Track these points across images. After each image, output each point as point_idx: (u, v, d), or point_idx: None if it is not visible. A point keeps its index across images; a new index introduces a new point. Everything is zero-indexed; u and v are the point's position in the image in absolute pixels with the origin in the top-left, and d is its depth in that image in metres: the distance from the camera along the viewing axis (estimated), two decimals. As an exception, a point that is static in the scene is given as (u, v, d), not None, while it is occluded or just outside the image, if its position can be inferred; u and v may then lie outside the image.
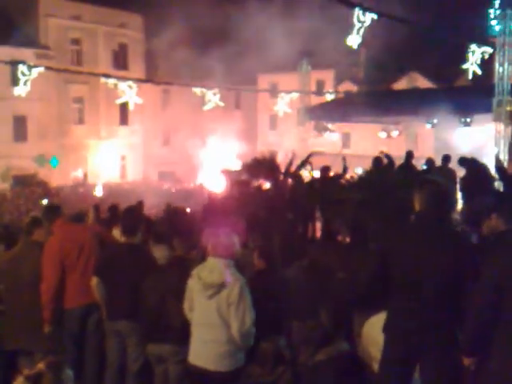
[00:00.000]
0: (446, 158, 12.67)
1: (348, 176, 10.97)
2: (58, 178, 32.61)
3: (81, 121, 37.47)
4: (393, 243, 3.98)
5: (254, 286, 4.80)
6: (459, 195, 11.74)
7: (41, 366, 3.59)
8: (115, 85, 17.48)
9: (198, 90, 18.44)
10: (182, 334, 4.83)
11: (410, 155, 12.80)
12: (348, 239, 9.19)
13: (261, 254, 5.75)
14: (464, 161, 11.81)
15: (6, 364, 5.74)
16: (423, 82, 32.45)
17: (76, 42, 36.47)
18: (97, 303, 5.65)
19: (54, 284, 5.64)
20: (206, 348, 4.52)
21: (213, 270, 4.51)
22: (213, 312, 4.47)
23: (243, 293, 4.46)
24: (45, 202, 27.47)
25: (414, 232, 3.93)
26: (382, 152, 12.43)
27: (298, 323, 5.12)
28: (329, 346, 4.33)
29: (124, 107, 33.09)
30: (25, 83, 15.42)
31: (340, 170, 11.22)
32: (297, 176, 10.50)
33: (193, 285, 4.63)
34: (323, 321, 4.51)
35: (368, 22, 11.39)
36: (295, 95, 21.88)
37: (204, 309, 4.53)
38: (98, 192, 29.85)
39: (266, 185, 10.87)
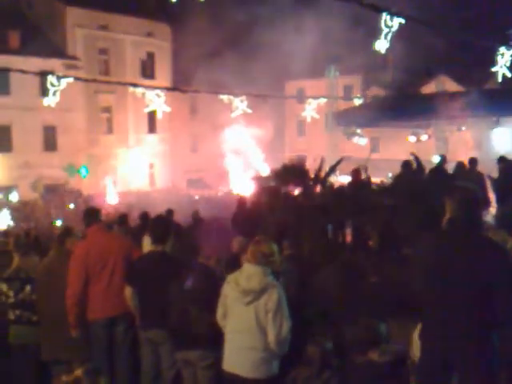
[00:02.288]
0: (473, 161, 12.44)
1: (378, 181, 10.86)
2: (87, 187, 32.97)
3: (109, 130, 37.84)
4: (425, 251, 3.94)
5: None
6: (493, 197, 11.52)
7: (78, 372, 3.64)
8: (143, 94, 17.56)
9: (225, 97, 18.43)
10: (208, 339, 4.83)
11: (443, 159, 12.64)
12: (379, 244, 9.08)
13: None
14: (503, 160, 11.60)
15: (39, 373, 5.77)
16: (452, 85, 32.04)
17: (104, 51, 36.86)
18: (123, 314, 5.66)
19: (77, 289, 5.65)
20: (241, 355, 4.48)
21: (251, 276, 4.47)
22: (250, 319, 4.43)
23: (281, 300, 4.42)
24: (71, 206, 27.93)
25: (445, 239, 3.87)
26: (412, 153, 12.24)
27: (346, 325, 5.06)
28: (380, 346, 4.30)
29: (152, 116, 33.47)
30: (54, 94, 15.54)
31: (369, 174, 11.12)
32: (326, 182, 10.44)
33: (229, 291, 4.58)
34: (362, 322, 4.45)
35: (396, 27, 11.27)
36: (323, 101, 21.78)
37: (241, 316, 4.49)
38: (112, 200, 29.98)
39: (295, 191, 10.83)
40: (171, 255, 5.68)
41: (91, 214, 6.24)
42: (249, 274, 4.50)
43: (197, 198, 31.56)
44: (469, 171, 12.13)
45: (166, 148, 40.32)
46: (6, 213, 24.87)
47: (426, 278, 3.84)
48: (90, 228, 6.04)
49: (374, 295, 5.26)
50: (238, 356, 4.50)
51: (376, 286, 5.58)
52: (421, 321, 3.98)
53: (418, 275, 3.98)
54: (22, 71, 17.06)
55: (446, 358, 3.72)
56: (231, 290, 4.55)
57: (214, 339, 4.74)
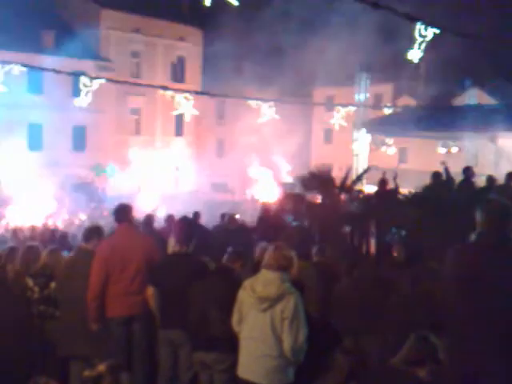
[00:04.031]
0: (510, 176, 12.17)
1: (406, 191, 10.74)
2: (113, 187, 33.29)
3: (137, 131, 38.18)
4: (454, 266, 3.80)
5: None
6: None
7: (101, 368, 3.66)
8: (172, 97, 17.67)
9: (253, 103, 18.45)
10: (225, 342, 4.81)
11: (468, 171, 12.42)
12: (403, 256, 8.97)
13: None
14: None
15: (58, 370, 5.80)
16: (483, 98, 31.67)
17: (136, 54, 37.25)
18: (141, 314, 5.68)
19: (98, 287, 5.66)
20: (256, 362, 4.42)
21: (267, 283, 4.40)
22: (265, 326, 4.36)
23: (298, 308, 4.34)
24: (92, 205, 28.22)
25: (475, 253, 3.71)
26: (443, 163, 12.05)
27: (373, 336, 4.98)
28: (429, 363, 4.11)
29: (179, 119, 33.60)
30: (86, 94, 15.72)
31: (398, 183, 11.03)
32: (352, 190, 10.37)
33: (244, 297, 4.53)
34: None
35: (430, 37, 11.17)
36: (352, 109, 21.67)
37: (256, 322, 4.43)
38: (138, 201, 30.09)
39: (320, 199, 10.77)
40: (194, 256, 5.70)
41: (122, 210, 6.18)
42: (265, 280, 4.43)
43: (225, 201, 31.64)
44: (503, 186, 11.85)
45: (192, 151, 40.53)
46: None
47: (455, 294, 3.71)
48: (120, 225, 6.06)
49: (406, 308, 5.13)
50: (252, 363, 4.44)
51: (407, 299, 5.45)
52: (448, 338, 3.80)
53: (447, 290, 3.86)
54: (56, 71, 17.32)
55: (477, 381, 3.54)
56: (247, 296, 4.49)
57: (232, 343, 4.71)
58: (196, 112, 18.35)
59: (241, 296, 4.58)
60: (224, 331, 4.81)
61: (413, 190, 11.05)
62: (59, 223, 22.69)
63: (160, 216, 19.45)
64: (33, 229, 18.96)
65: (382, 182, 11.31)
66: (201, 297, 5.09)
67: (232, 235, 9.50)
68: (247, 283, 4.55)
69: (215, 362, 4.98)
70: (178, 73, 39.43)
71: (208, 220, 15.64)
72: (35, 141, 32.64)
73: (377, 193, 11.05)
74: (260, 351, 4.39)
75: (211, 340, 4.94)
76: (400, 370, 3.98)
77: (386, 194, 10.83)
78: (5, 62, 14.57)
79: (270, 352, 4.36)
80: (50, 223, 22.09)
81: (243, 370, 4.51)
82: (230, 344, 4.76)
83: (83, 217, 25.25)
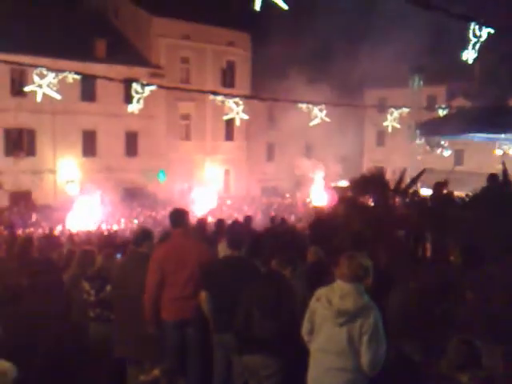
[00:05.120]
0: None
1: (462, 194, 10.46)
2: (164, 191, 33.75)
3: (187, 136, 38.59)
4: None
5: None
6: None
7: (156, 372, 3.66)
8: (222, 102, 17.77)
9: (303, 106, 18.37)
10: (270, 346, 4.75)
11: None
12: (460, 260, 8.74)
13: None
14: None
15: (114, 372, 5.86)
16: (541, 98, 30.68)
17: (185, 60, 37.65)
18: (195, 317, 5.67)
19: (153, 291, 5.70)
20: (330, 376, 4.24)
21: (344, 295, 4.20)
22: (342, 340, 4.18)
23: (378, 323, 4.15)
24: (144, 210, 28.64)
25: None
26: (503, 164, 11.67)
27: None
28: (472, 369, 4.01)
29: (229, 123, 33.83)
30: (138, 101, 15.98)
31: (452, 188, 10.74)
32: (407, 193, 10.16)
33: (319, 309, 4.34)
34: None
35: (484, 37, 10.88)
36: (405, 110, 21.33)
37: (332, 336, 4.24)
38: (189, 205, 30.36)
39: (373, 202, 10.59)
40: (246, 260, 5.67)
41: (178, 215, 6.18)
42: (342, 292, 4.22)
43: (272, 205, 31.66)
44: None
45: (242, 155, 40.69)
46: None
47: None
48: (175, 230, 6.09)
49: (465, 314, 4.98)
50: (324, 376, 4.27)
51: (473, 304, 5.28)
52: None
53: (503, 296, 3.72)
54: (108, 78, 17.71)
55: None
56: (322, 308, 4.30)
57: (278, 348, 4.61)
58: (246, 116, 18.41)
59: (313, 306, 4.39)
60: (268, 334, 4.73)
61: (469, 193, 10.77)
62: (113, 227, 23.13)
63: (211, 220, 19.53)
64: (88, 233, 19.35)
65: (438, 186, 11.01)
66: (247, 298, 5.05)
67: (282, 239, 9.43)
68: (321, 294, 4.35)
69: (260, 367, 4.89)
70: (227, 78, 39.68)
71: (259, 224, 15.66)
72: (89, 147, 33.38)
73: (433, 196, 10.78)
74: (335, 365, 4.21)
75: (254, 342, 4.86)
76: (442, 375, 3.88)
77: (443, 197, 10.55)
78: (59, 71, 14.97)
79: (345, 365, 4.19)
80: (105, 227, 22.55)
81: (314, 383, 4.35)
82: (275, 348, 4.66)
83: (136, 221, 25.69)
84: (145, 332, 5.74)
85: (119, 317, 5.99)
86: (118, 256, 7.98)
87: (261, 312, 4.88)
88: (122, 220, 25.98)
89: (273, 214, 22.13)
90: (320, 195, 29.78)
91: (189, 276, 5.75)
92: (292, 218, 21.78)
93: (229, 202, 33.34)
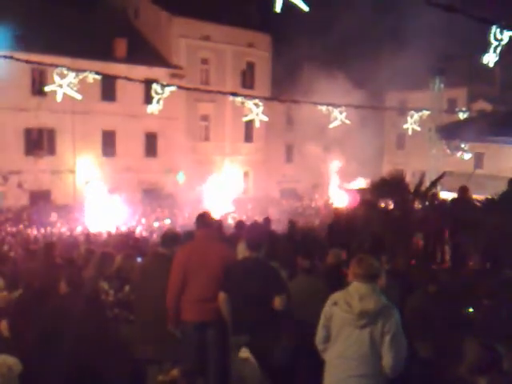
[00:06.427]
0: None
1: (482, 198, 10.36)
2: (183, 192, 33.84)
3: (207, 137, 38.63)
4: None
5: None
6: None
7: (175, 372, 3.67)
8: (242, 103, 17.76)
9: (323, 108, 18.31)
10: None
11: None
12: (480, 264, 8.68)
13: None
14: None
15: (134, 372, 5.89)
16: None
17: (205, 61, 37.71)
18: (215, 319, 5.65)
19: (175, 292, 5.71)
20: (348, 382, 4.15)
21: (364, 296, 4.14)
22: (363, 343, 4.10)
23: (399, 323, 4.10)
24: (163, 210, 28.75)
25: None
26: None
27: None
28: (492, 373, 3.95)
29: (249, 124, 33.85)
30: (158, 101, 16.02)
31: (472, 191, 10.64)
32: (427, 197, 10.09)
33: (337, 313, 4.24)
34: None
35: (506, 40, 10.78)
36: (426, 113, 21.20)
37: (353, 340, 4.15)
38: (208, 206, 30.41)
39: (392, 205, 10.54)
40: (265, 262, 5.66)
41: (201, 217, 6.19)
42: (360, 293, 4.15)
43: (291, 207, 31.57)
44: None
45: (261, 157, 40.68)
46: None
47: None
48: (200, 231, 6.11)
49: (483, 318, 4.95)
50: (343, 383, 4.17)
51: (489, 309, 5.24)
52: None
53: None
54: (128, 79, 17.76)
55: None
56: (341, 312, 4.20)
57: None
58: (266, 118, 18.39)
59: (330, 311, 4.28)
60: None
61: (490, 197, 10.66)
62: (133, 228, 23.21)
63: (230, 222, 19.57)
64: (108, 234, 19.48)
65: (464, 190, 10.89)
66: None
67: (300, 241, 9.42)
68: (338, 298, 4.26)
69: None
70: (247, 79, 39.68)
71: (278, 225, 15.64)
72: (109, 147, 33.56)
73: (454, 200, 10.68)
74: (356, 371, 4.12)
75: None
76: (460, 378, 3.84)
77: (464, 201, 10.45)
78: (79, 71, 15.08)
79: (367, 372, 4.11)
80: (124, 228, 22.64)
81: None
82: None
83: (156, 223, 25.75)
84: (165, 333, 5.75)
85: (140, 317, 6.01)
86: (139, 259, 7.99)
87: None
88: (143, 220, 26.09)
89: (291, 215, 22.03)
90: (339, 198, 29.69)
91: (210, 278, 5.73)
92: (317, 222, 21.66)
93: (249, 206, 33.20)
